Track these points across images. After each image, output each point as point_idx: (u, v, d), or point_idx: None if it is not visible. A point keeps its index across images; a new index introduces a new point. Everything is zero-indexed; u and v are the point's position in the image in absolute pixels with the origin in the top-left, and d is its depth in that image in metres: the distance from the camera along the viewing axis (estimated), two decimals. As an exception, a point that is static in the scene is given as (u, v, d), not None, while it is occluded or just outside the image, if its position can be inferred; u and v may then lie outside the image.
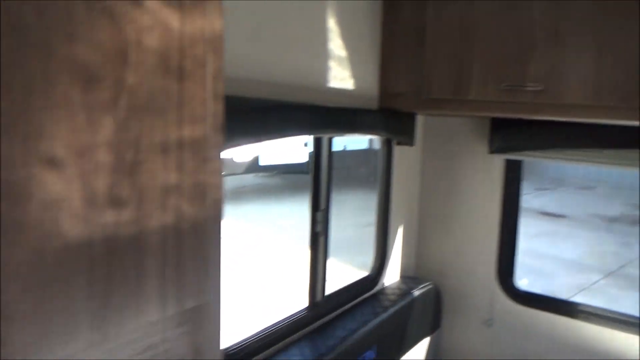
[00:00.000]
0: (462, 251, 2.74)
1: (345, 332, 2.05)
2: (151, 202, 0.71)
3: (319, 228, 2.06)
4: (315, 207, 2.06)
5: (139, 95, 0.68)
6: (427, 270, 2.83)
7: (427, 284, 2.66)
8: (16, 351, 0.57)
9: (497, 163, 2.59)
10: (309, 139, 2.03)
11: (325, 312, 2.14)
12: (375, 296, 2.44)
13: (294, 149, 11.03)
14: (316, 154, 2.04)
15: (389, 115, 2.23)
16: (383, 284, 2.57)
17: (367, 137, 2.21)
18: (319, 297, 2.12)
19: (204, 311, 0.87)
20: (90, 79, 0.62)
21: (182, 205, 0.76)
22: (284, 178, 12.14)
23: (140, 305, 0.72)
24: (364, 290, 2.43)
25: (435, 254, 2.82)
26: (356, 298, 2.35)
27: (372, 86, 2.23)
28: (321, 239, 2.09)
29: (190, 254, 0.79)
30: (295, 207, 9.58)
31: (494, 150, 2.53)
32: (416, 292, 2.54)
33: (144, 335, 0.77)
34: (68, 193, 0.61)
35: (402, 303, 2.41)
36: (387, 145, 2.46)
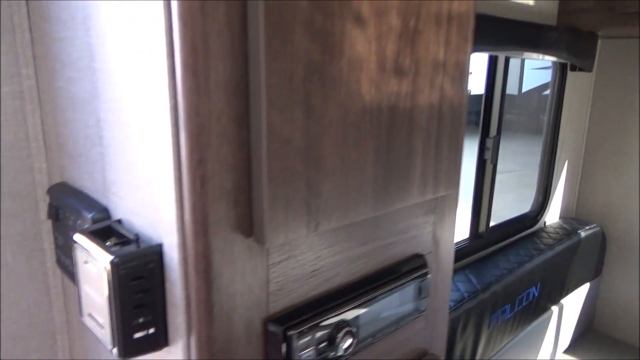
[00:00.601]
0: (634, 193, 2.45)
1: (510, 264, 1.96)
2: (424, 76, 0.69)
3: (487, 155, 1.95)
4: (485, 133, 1.94)
5: (422, -42, 0.64)
6: (590, 212, 2.59)
7: (593, 225, 2.44)
8: (325, 203, 0.59)
9: None
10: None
11: (488, 243, 2.06)
12: (536, 234, 2.30)
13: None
14: (490, 76, 1.90)
15: (571, 34, 1.98)
16: (544, 222, 2.40)
17: (546, 57, 1.99)
18: (482, 228, 2.04)
19: (448, 203, 0.85)
20: None
21: (445, 84, 0.72)
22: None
23: (407, 184, 0.71)
24: (525, 227, 2.30)
25: (601, 195, 2.55)
26: (517, 234, 2.23)
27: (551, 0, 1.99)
28: (489, 168, 1.98)
29: (447, 139, 0.76)
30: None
31: None
32: (582, 233, 2.34)
33: (404, 215, 0.77)
34: (367, 55, 0.60)
35: (568, 243, 2.24)
36: (561, 70, 2.21)
